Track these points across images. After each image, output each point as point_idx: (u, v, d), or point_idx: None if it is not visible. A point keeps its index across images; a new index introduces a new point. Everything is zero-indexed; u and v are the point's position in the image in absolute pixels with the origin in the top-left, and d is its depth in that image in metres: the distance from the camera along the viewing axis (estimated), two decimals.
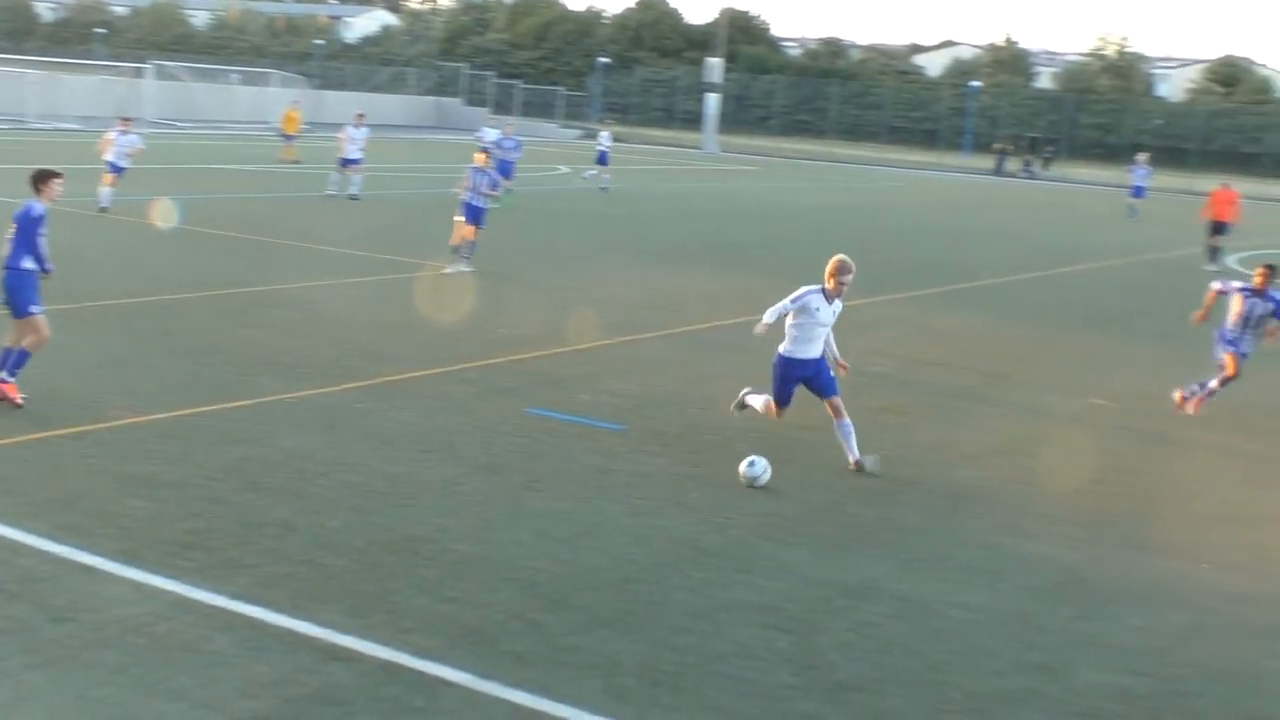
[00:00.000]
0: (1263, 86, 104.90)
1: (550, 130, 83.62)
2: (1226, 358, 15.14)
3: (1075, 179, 75.97)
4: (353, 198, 33.43)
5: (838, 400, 12.01)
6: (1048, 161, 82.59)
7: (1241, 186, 36.97)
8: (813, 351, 12.07)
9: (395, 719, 6.79)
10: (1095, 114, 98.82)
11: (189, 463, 10.68)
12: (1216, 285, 15.61)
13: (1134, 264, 33.61)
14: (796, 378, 12.07)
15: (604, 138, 45.15)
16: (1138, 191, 49.53)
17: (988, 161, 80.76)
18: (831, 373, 12.16)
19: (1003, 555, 10.12)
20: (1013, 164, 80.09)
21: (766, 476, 11.20)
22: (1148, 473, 13.07)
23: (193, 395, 12.77)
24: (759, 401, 12.52)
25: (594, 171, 44.32)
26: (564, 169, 53.11)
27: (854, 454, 11.95)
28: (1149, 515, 11.62)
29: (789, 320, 12.01)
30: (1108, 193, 61.38)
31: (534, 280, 22.13)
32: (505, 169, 35.56)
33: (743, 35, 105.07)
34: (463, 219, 22.62)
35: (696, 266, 25.94)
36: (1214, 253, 33.00)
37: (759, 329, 12.09)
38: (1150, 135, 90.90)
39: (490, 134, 38.54)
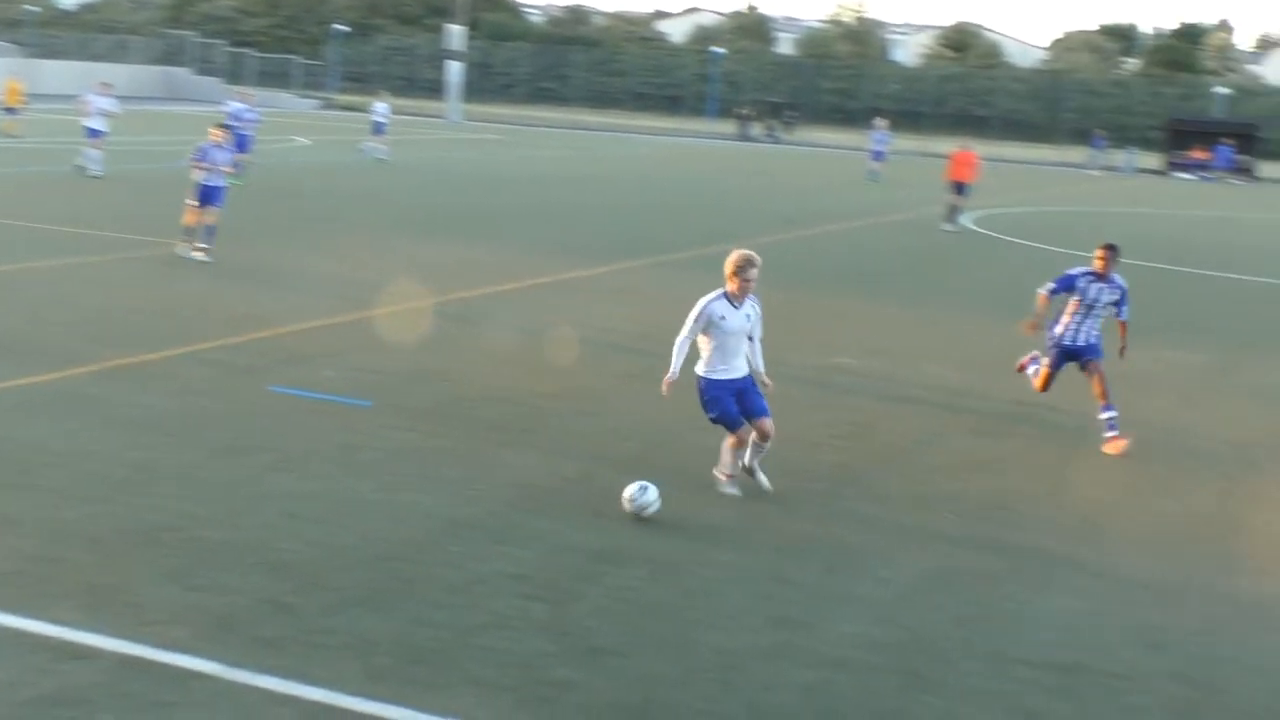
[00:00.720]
0: (991, 51, 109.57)
1: (287, 100, 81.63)
2: (1047, 362, 13.73)
3: (817, 142, 77.99)
4: (79, 169, 32.00)
5: (768, 423, 10.57)
6: (790, 126, 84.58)
7: (974, 148, 38.37)
8: (736, 370, 10.60)
9: (141, 715, 6.53)
10: (835, 79, 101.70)
11: None
12: (1047, 288, 13.55)
13: (877, 225, 34.68)
14: (729, 394, 10.59)
15: (380, 109, 44.52)
16: (877, 155, 51.10)
17: (732, 126, 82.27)
18: (760, 390, 10.73)
19: (751, 514, 10.29)
20: (756, 129, 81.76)
21: (655, 508, 9.97)
22: (888, 428, 13.49)
23: None
24: (728, 440, 10.72)
25: (373, 144, 43.87)
26: (302, 140, 51.96)
27: (755, 465, 10.77)
28: (889, 468, 12.01)
29: (702, 337, 10.66)
30: (849, 156, 63.11)
31: (273, 256, 21.54)
32: (243, 143, 34.51)
33: (484, 2, 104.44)
34: (196, 202, 20.56)
35: (444, 238, 25.68)
36: (953, 212, 34.22)
37: (668, 386, 10.64)
38: (887, 99, 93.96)
39: (234, 106, 37.28)
